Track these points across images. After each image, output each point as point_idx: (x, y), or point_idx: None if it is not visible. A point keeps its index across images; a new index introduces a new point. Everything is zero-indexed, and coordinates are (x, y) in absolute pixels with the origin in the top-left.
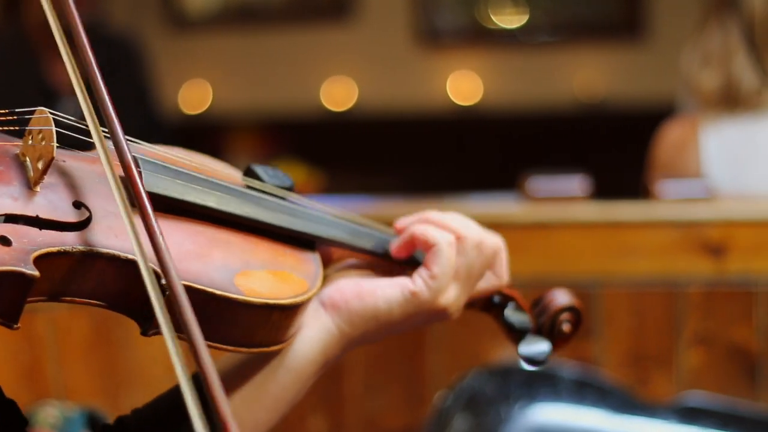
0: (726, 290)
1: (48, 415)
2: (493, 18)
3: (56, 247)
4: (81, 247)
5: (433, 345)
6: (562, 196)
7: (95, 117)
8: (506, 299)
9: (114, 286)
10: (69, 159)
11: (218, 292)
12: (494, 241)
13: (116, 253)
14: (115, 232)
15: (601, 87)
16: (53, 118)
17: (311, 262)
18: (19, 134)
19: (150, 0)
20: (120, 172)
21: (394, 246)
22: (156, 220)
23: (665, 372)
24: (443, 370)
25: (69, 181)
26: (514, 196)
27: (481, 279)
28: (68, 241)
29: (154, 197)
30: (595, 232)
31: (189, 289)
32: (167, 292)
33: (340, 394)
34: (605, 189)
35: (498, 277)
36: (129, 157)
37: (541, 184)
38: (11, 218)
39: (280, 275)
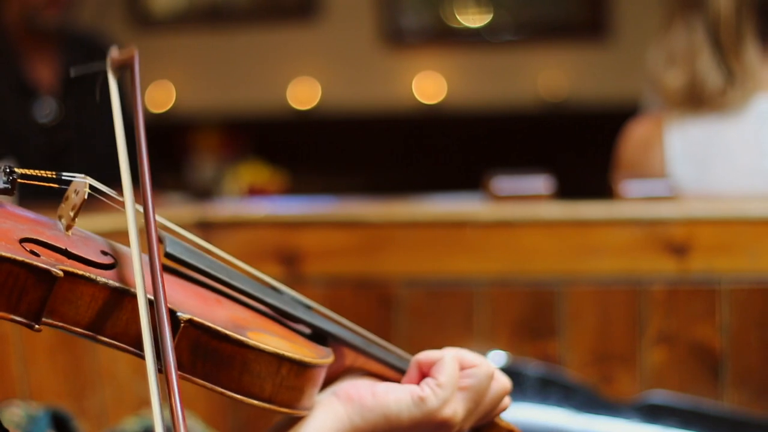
0: (689, 289)
1: (12, 414)
2: (458, 18)
3: (81, 271)
4: (104, 279)
5: (398, 345)
6: (526, 195)
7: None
8: None
9: (132, 328)
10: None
11: (230, 333)
12: (505, 380)
13: (134, 291)
14: (137, 280)
15: (565, 86)
16: (90, 181)
17: (323, 349)
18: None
19: None
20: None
21: (405, 378)
22: (161, 267)
23: (629, 370)
24: None
25: (98, 239)
26: (478, 195)
27: (476, 397)
28: (92, 272)
29: (173, 260)
30: (559, 231)
31: (203, 327)
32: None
33: None
34: (569, 188)
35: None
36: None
37: (505, 183)
38: (41, 243)
39: (292, 344)
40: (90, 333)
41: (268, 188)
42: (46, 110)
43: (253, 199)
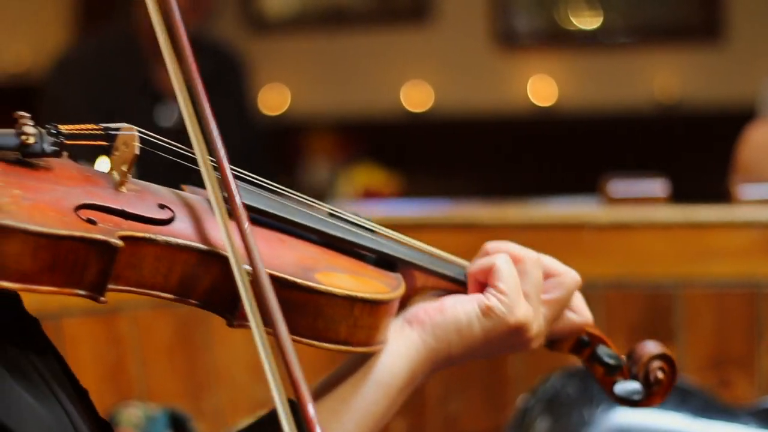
0: None
1: (131, 415)
2: (572, 20)
3: (140, 233)
4: (165, 237)
5: None
6: (641, 198)
7: (195, 126)
8: (596, 340)
9: (200, 282)
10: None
11: (299, 281)
12: (565, 268)
13: (200, 246)
14: (198, 231)
15: (679, 89)
16: (138, 129)
17: (392, 277)
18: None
19: (229, 2)
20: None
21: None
22: (243, 211)
23: (747, 375)
24: (524, 373)
25: (154, 190)
26: (592, 198)
27: (560, 308)
28: (152, 231)
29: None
30: (676, 234)
31: (272, 279)
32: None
33: (421, 397)
34: (684, 191)
35: (579, 315)
36: (222, 154)
37: (621, 186)
38: (97, 207)
39: (362, 280)
40: (155, 292)
41: (382, 191)
42: (170, 114)
43: (368, 202)
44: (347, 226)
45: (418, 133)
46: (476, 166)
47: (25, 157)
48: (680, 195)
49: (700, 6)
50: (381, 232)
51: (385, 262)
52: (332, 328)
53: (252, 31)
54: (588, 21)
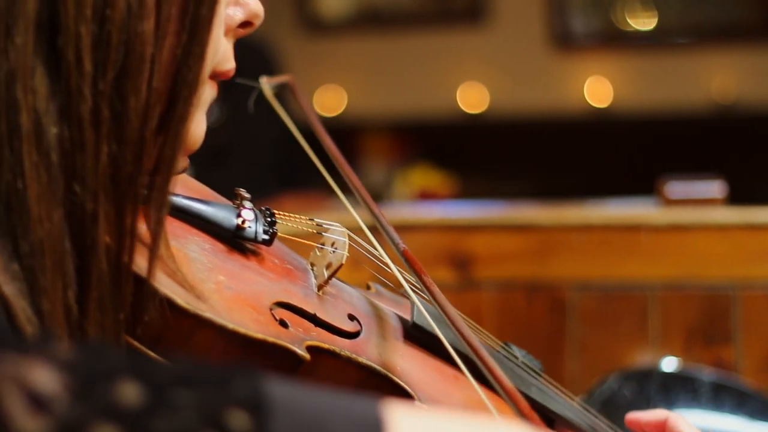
0: None
1: None
2: (629, 20)
3: (327, 345)
4: (348, 353)
5: (571, 350)
6: (699, 199)
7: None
8: None
9: None
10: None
11: None
12: None
13: (378, 368)
14: (380, 351)
15: (735, 89)
16: (348, 233)
17: None
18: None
19: (285, 4)
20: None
21: None
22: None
23: None
24: (581, 375)
25: (347, 297)
26: (650, 200)
27: None
28: (338, 344)
29: (420, 331)
30: (733, 236)
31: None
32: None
33: None
34: (740, 192)
35: None
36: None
37: (678, 187)
38: (292, 308)
39: None
40: None
41: (438, 192)
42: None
43: (424, 203)
44: (516, 369)
45: (474, 134)
46: (532, 168)
47: (236, 237)
48: (737, 196)
49: (757, 6)
50: (547, 380)
51: (544, 415)
52: None
53: (308, 33)
54: (644, 22)
